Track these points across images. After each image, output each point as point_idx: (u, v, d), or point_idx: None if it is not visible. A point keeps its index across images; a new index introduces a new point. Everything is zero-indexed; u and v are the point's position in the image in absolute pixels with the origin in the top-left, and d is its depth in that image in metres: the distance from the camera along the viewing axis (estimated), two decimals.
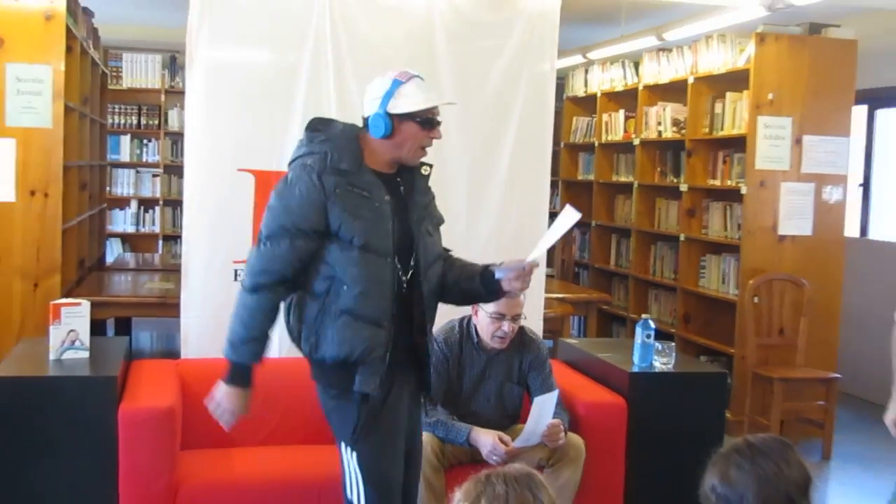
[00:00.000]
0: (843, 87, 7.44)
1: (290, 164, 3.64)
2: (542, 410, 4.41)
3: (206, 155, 5.17)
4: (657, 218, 9.20)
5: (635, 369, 5.01)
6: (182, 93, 5.16)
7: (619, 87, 9.83)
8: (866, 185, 9.01)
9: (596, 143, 10.32)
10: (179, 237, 5.54)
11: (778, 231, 7.39)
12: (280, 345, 5.19)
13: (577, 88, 10.92)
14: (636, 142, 9.31)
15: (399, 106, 3.56)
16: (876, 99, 8.76)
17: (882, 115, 8.92)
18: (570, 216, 3.63)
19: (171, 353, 5.70)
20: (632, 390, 4.91)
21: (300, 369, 4.90)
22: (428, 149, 3.65)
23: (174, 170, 11.06)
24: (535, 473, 2.20)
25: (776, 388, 6.84)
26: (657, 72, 8.94)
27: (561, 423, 4.50)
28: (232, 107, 5.19)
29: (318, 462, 4.53)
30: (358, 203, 3.50)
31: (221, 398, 3.63)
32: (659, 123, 8.89)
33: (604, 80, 10.20)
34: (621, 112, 9.83)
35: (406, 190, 3.68)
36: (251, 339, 3.56)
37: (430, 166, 3.78)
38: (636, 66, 9.49)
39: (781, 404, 6.87)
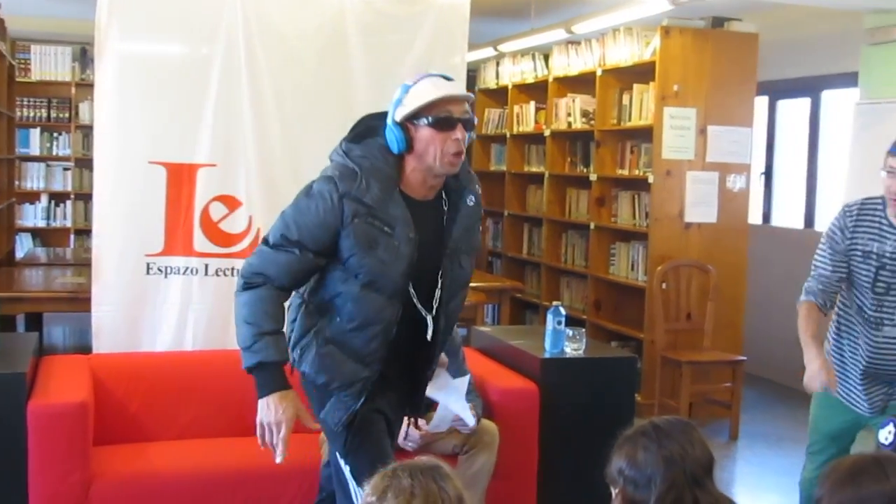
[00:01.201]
0: (745, 78, 7.64)
1: (327, 166, 3.34)
2: (455, 395, 4.46)
3: (117, 148, 5.14)
4: (568, 207, 9.33)
5: (547, 355, 5.09)
6: (94, 86, 5.11)
7: (530, 80, 9.93)
8: (769, 174, 9.24)
9: (508, 135, 10.42)
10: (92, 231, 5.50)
11: (684, 219, 7.57)
12: (194, 337, 5.21)
13: (488, 81, 11.01)
14: (547, 133, 9.43)
15: (407, 108, 3.23)
16: (777, 90, 9.00)
17: (783, 105, 9.16)
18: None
19: (85, 348, 5.66)
20: (544, 376, 4.98)
21: (214, 362, 4.93)
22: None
23: (86, 163, 10.88)
24: (441, 465, 2.21)
25: (684, 371, 7.01)
26: (566, 64, 9.06)
27: (473, 407, 4.56)
28: (143, 100, 5.16)
29: (234, 455, 4.56)
30: (375, 238, 3.20)
31: (263, 416, 3.26)
32: (569, 115, 9.02)
33: (515, 72, 10.30)
34: (532, 104, 9.94)
35: (449, 218, 3.36)
36: (262, 334, 3.22)
37: (478, 194, 3.48)
38: (546, 58, 9.60)
39: (690, 387, 7.04)
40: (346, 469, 3.44)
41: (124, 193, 5.17)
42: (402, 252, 3.23)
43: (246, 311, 3.25)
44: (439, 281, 3.35)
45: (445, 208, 3.38)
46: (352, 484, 3.42)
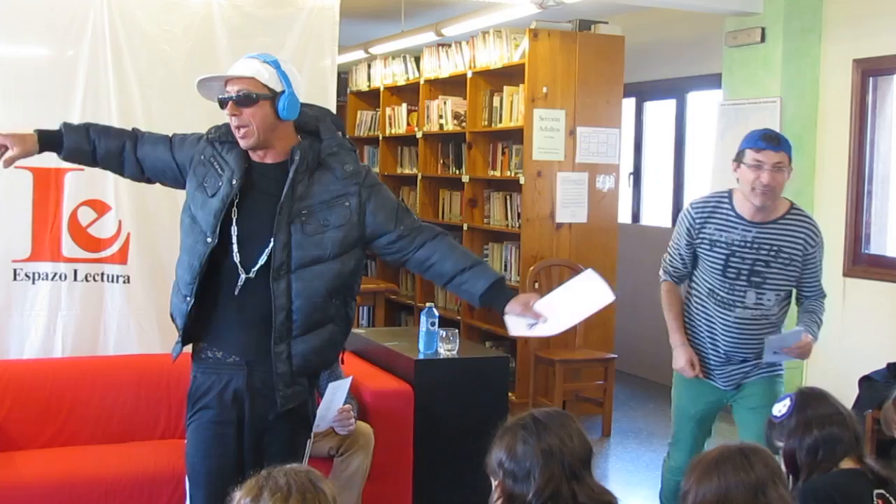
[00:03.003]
0: (612, 80, 7.79)
1: None
2: (335, 396, 4.47)
3: None
4: (441, 208, 9.40)
5: (421, 356, 5.14)
6: None
7: (402, 82, 9.96)
8: (637, 174, 9.44)
9: (380, 137, 10.44)
10: None
11: (555, 219, 7.68)
12: (63, 344, 5.10)
13: (360, 83, 11.00)
14: (419, 135, 9.48)
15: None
16: (643, 92, 9.21)
17: (649, 107, 9.38)
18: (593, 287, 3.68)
19: None
20: (418, 377, 5.03)
21: (83, 369, 4.85)
22: None
23: None
24: (312, 469, 2.30)
25: (557, 369, 7.12)
26: (437, 66, 9.11)
27: (351, 409, 4.58)
28: (7, 103, 5.04)
29: (104, 462, 4.50)
30: (208, 176, 3.50)
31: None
32: (440, 117, 9.07)
33: (386, 74, 10.32)
34: (404, 106, 9.97)
35: (293, 178, 3.43)
36: (76, 128, 3.66)
37: (351, 167, 3.57)
38: (417, 61, 9.64)
39: (563, 385, 7.16)
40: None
41: None
42: (221, 192, 3.45)
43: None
44: (271, 240, 3.41)
45: (291, 169, 3.47)
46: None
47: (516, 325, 3.49)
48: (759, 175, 4.17)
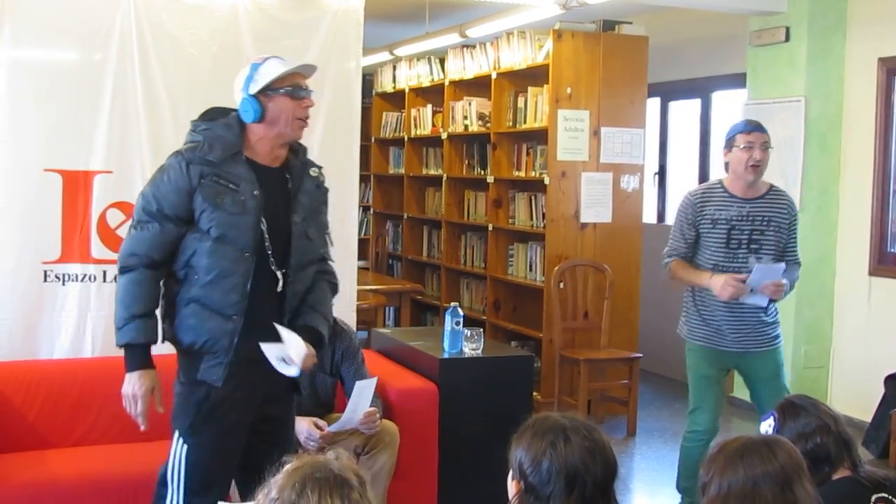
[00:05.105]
0: (636, 80, 7.79)
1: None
2: (361, 396, 4.51)
3: (11, 156, 5.08)
4: (466, 209, 9.42)
5: (445, 356, 5.17)
6: None
7: (426, 83, 9.99)
8: (662, 174, 9.44)
9: (405, 138, 10.46)
10: None
11: (580, 219, 7.69)
12: (93, 344, 5.17)
13: (385, 84, 11.04)
14: (444, 136, 9.50)
15: (260, 83, 3.59)
16: (668, 92, 9.20)
17: (674, 106, 9.37)
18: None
19: None
20: (442, 376, 5.05)
21: (113, 368, 4.88)
22: None
23: None
24: (348, 478, 2.10)
25: (582, 368, 7.13)
26: (462, 68, 9.14)
27: (377, 411, 4.62)
28: (37, 107, 5.10)
29: (134, 460, 4.53)
30: (222, 194, 3.51)
31: (126, 389, 3.60)
32: (465, 118, 9.10)
33: (411, 76, 10.35)
34: (429, 107, 10.00)
35: (293, 187, 3.70)
36: (133, 317, 3.53)
37: (320, 168, 3.82)
38: (442, 62, 9.66)
39: (588, 384, 7.16)
40: (184, 449, 3.64)
41: (19, 202, 5.11)
42: (248, 206, 3.54)
43: (122, 294, 3.57)
44: (291, 243, 3.66)
45: (289, 177, 3.71)
46: (179, 468, 3.63)
47: (270, 353, 3.62)
48: (751, 153, 4.95)
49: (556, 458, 2.44)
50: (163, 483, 3.75)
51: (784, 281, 4.96)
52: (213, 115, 3.68)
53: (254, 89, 3.59)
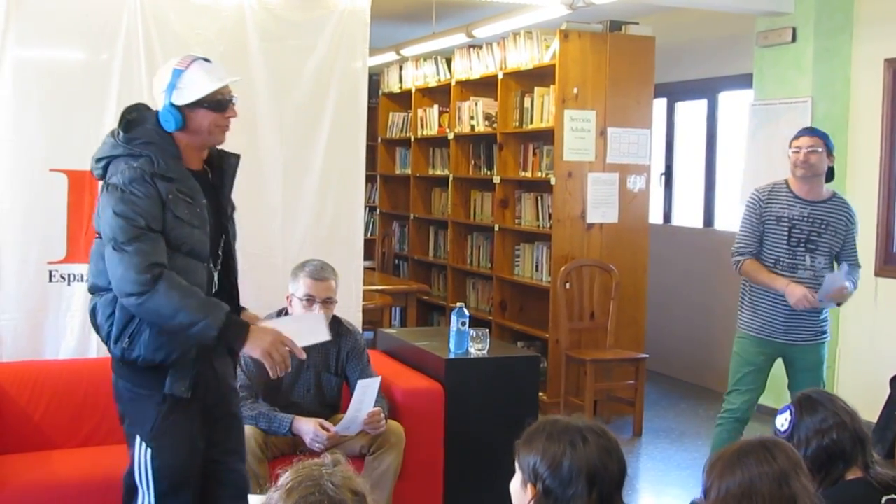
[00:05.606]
0: (642, 81, 7.79)
1: (101, 161, 3.55)
2: (365, 395, 4.51)
3: (17, 155, 5.09)
4: (472, 209, 9.43)
5: (451, 356, 5.17)
6: None
7: (433, 83, 9.99)
8: (668, 174, 9.43)
9: (412, 138, 10.47)
10: None
11: (586, 219, 7.68)
12: (98, 345, 5.16)
13: (392, 85, 11.05)
14: (450, 136, 9.51)
15: (184, 96, 3.53)
16: (674, 92, 9.19)
17: (681, 107, 9.36)
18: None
19: None
20: (448, 376, 5.06)
21: None
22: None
23: None
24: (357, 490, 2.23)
25: (588, 369, 7.12)
26: (468, 68, 9.14)
27: (381, 411, 4.62)
28: (42, 107, 5.10)
29: None
30: (186, 209, 3.50)
31: (263, 349, 3.53)
32: (471, 118, 9.10)
33: (417, 76, 10.35)
34: (435, 107, 10.00)
35: (218, 183, 3.76)
36: (203, 304, 3.45)
37: (238, 156, 3.85)
38: (448, 62, 9.66)
39: (594, 385, 7.15)
40: (148, 453, 3.61)
41: (25, 201, 5.11)
42: (203, 217, 3.57)
43: (172, 300, 3.38)
44: (221, 246, 3.72)
45: (207, 169, 3.75)
46: (146, 473, 3.62)
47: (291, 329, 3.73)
48: (798, 155, 5.26)
49: (577, 458, 2.45)
50: (129, 491, 3.74)
51: (847, 284, 5.27)
52: (136, 119, 3.59)
53: (177, 100, 3.54)
